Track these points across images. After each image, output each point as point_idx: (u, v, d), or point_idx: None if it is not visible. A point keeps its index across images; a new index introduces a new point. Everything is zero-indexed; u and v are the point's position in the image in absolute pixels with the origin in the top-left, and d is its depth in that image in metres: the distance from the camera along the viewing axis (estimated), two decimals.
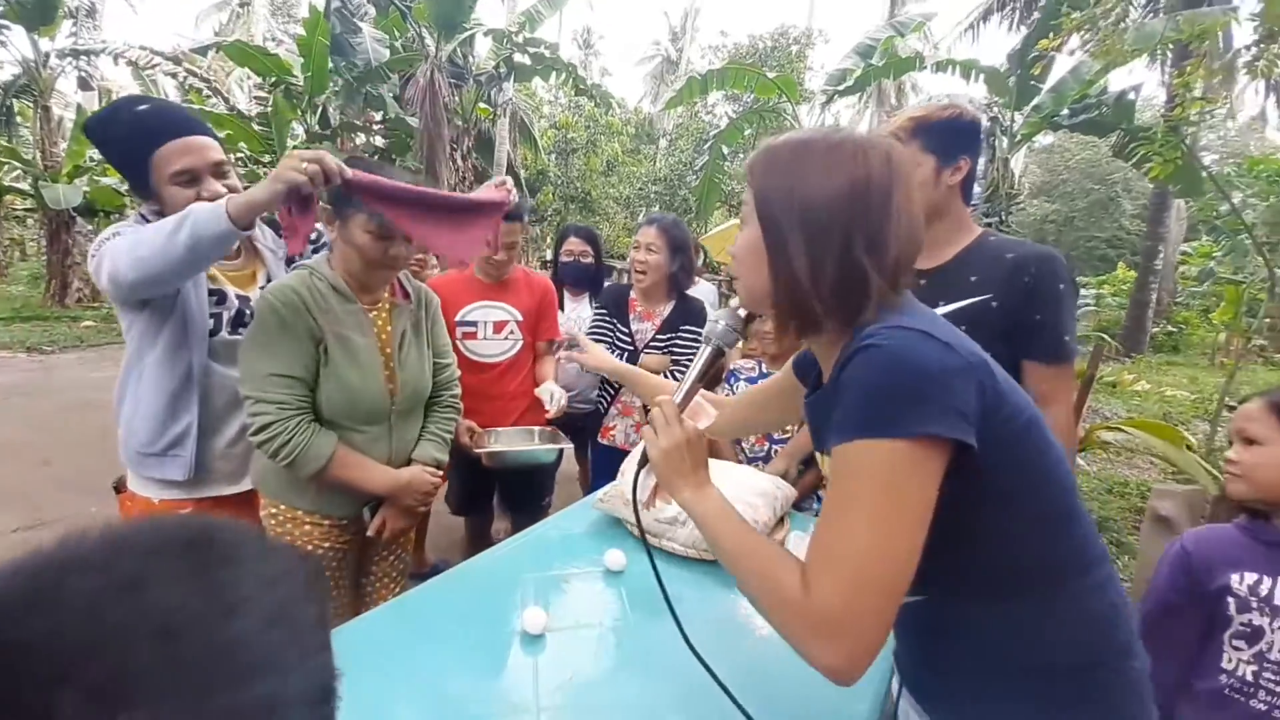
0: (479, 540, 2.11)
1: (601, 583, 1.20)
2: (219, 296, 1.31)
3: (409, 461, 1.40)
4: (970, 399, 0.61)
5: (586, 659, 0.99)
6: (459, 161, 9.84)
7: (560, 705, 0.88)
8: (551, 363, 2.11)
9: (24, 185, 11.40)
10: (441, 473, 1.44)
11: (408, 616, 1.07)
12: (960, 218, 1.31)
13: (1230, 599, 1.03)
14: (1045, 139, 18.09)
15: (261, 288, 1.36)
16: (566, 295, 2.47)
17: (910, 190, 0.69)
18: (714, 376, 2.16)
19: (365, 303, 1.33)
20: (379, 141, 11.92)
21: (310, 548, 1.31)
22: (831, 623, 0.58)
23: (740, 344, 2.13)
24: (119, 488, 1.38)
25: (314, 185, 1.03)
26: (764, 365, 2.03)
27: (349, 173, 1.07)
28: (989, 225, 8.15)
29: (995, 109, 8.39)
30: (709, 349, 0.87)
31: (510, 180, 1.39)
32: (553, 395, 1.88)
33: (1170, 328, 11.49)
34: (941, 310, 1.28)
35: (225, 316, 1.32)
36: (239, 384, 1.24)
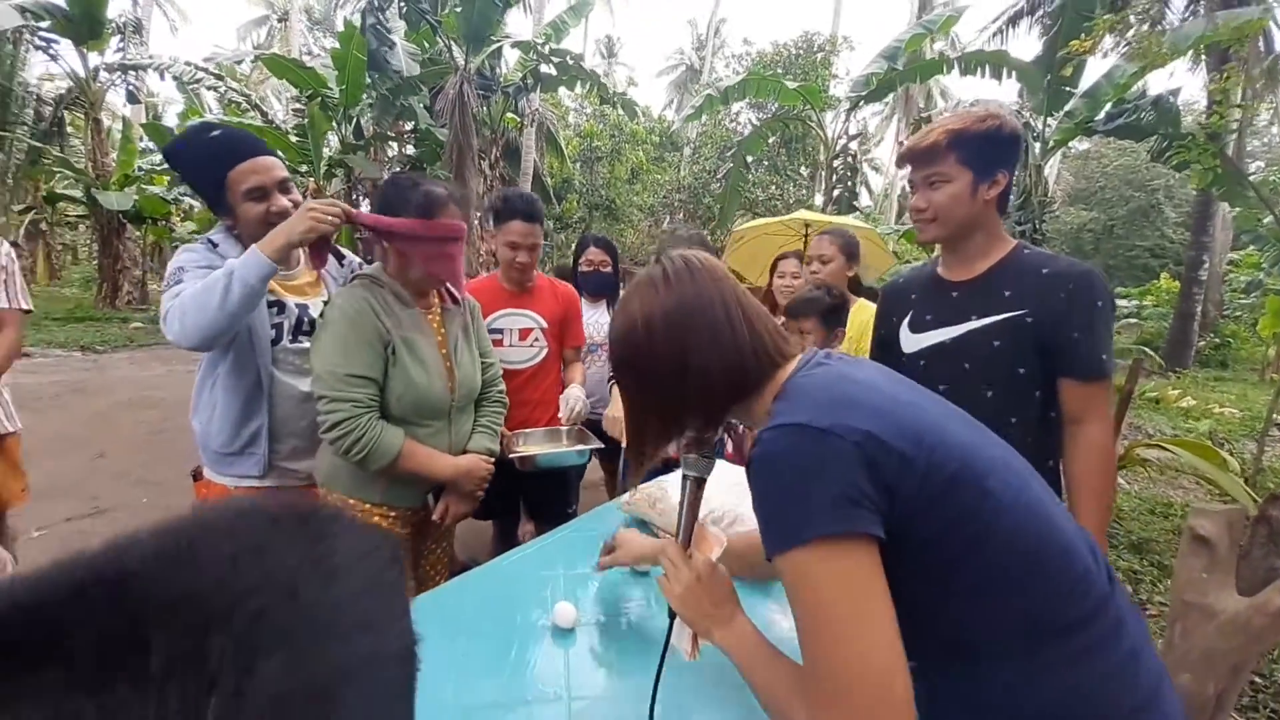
0: (506, 541, 2.14)
1: (629, 583, 1.22)
2: (278, 306, 1.42)
3: (464, 452, 1.50)
4: (858, 480, 0.58)
5: (615, 654, 1.01)
6: (486, 170, 10.04)
7: (591, 696, 0.90)
8: (580, 369, 2.14)
9: (76, 193, 11.99)
10: (494, 460, 1.54)
11: (441, 609, 1.10)
12: (994, 231, 1.30)
13: None
14: (1080, 145, 17.64)
15: (325, 303, 1.46)
16: (585, 302, 2.51)
17: (713, 302, 0.72)
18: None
19: (421, 307, 1.44)
20: (409, 151, 12.24)
21: None
22: None
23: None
24: (196, 475, 1.52)
25: (335, 229, 1.29)
26: None
27: (354, 213, 1.34)
28: (1021, 234, 8.01)
29: (1027, 114, 8.24)
30: (688, 482, 0.83)
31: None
32: (568, 402, 1.90)
33: (1217, 341, 11.05)
34: (974, 324, 1.27)
35: (285, 325, 1.42)
36: (313, 383, 1.32)
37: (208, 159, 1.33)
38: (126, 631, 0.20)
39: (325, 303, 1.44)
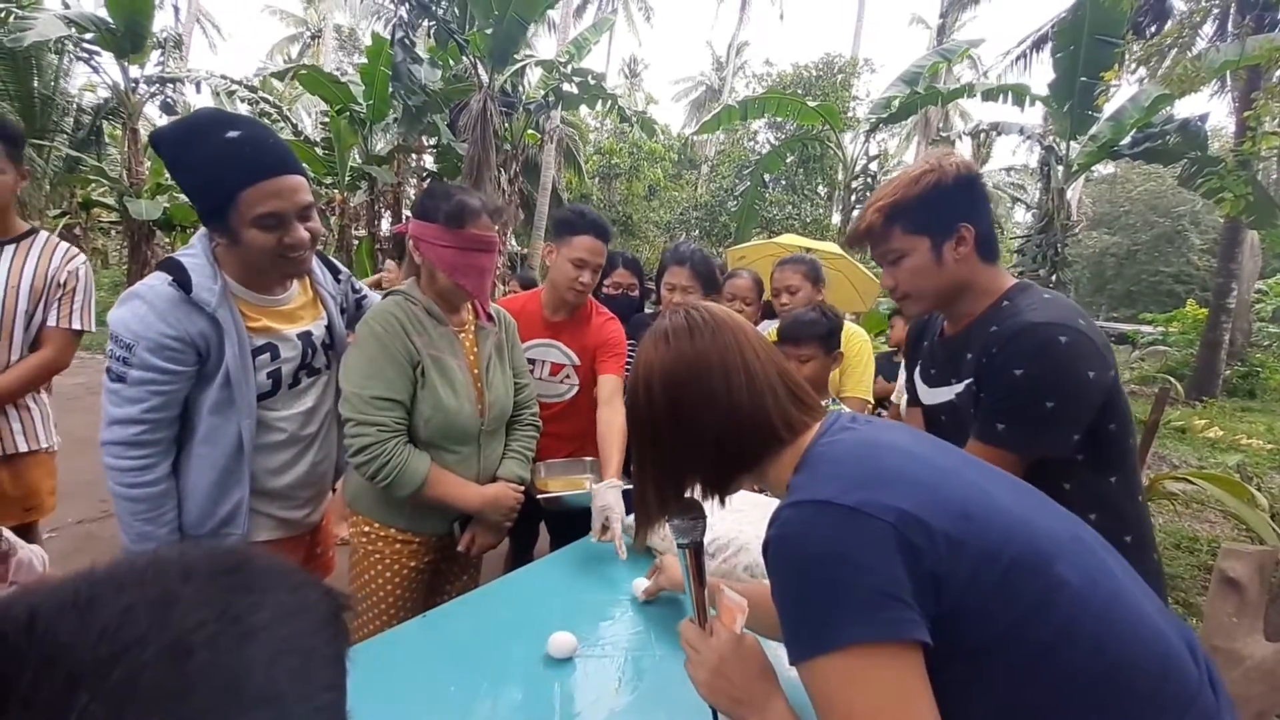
0: (520, 560, 2.06)
1: (630, 611, 1.19)
2: (270, 352, 1.20)
3: (494, 479, 1.45)
4: (895, 571, 0.49)
5: (612, 686, 0.97)
6: (505, 186, 10.18)
7: None
8: (620, 412, 1.74)
9: (110, 200, 12.37)
10: (524, 489, 1.47)
11: (437, 631, 1.08)
12: (981, 286, 1.09)
13: None
14: (1105, 169, 17.46)
15: (328, 327, 1.33)
16: None
17: (710, 364, 0.69)
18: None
19: (454, 324, 1.39)
20: (429, 164, 12.47)
21: (398, 565, 1.35)
22: None
23: None
24: None
25: None
26: None
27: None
28: (1042, 257, 7.85)
29: (1050, 138, 8.17)
30: (683, 551, 0.75)
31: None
32: (608, 525, 1.43)
33: (1245, 370, 10.75)
34: (957, 387, 1.11)
35: (285, 370, 1.22)
36: (340, 404, 1.26)
37: (218, 166, 1.04)
38: None
39: (327, 326, 1.32)
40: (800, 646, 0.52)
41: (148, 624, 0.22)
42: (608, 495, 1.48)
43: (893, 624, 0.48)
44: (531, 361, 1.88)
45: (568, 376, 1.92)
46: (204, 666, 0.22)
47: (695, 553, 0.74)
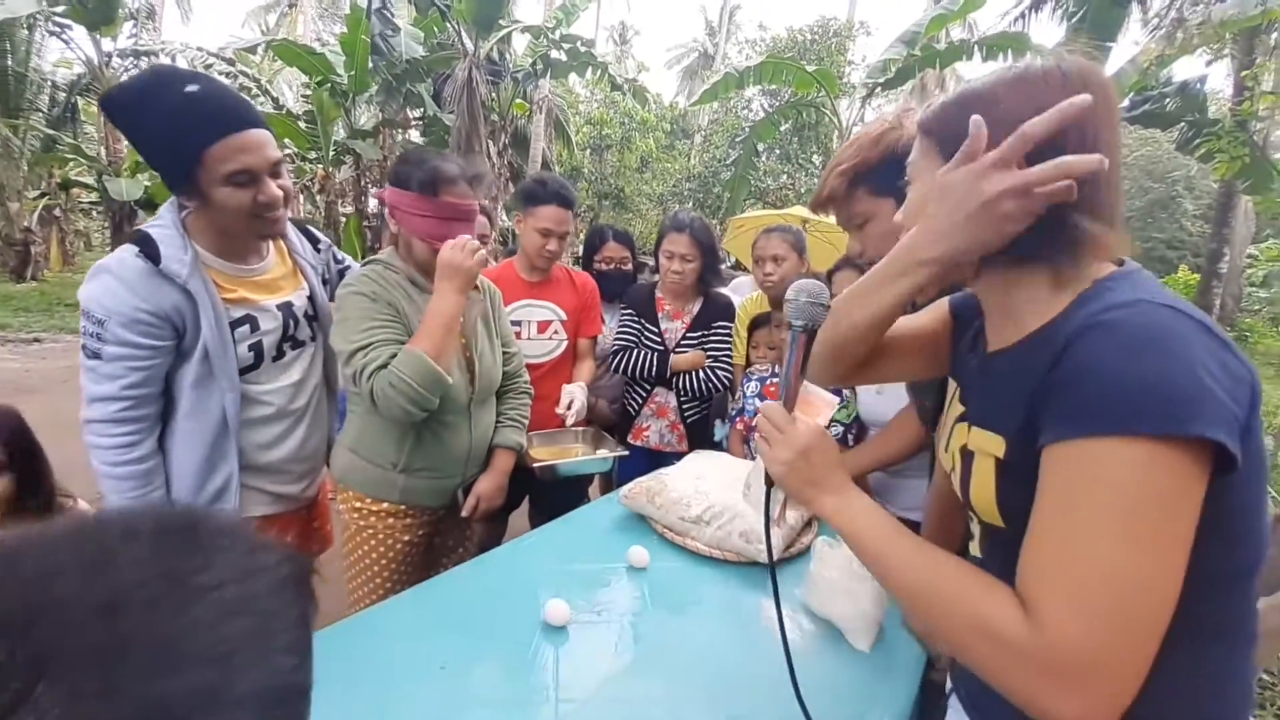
0: (501, 524, 2.01)
1: (625, 579, 1.20)
2: (250, 324, 1.17)
3: (490, 448, 1.49)
4: (1244, 407, 0.49)
5: (607, 652, 0.99)
6: (494, 157, 9.98)
7: (580, 697, 0.88)
8: (591, 364, 2.03)
9: (89, 179, 12.09)
10: (518, 455, 1.54)
11: (431, 602, 1.09)
12: None
13: None
14: None
15: (309, 298, 1.30)
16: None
17: (1110, 129, 0.57)
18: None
19: None
20: (415, 136, 12.19)
21: (390, 540, 1.36)
22: (1078, 666, 0.47)
23: (747, 347, 2.05)
24: None
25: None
26: (776, 367, 1.97)
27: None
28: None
29: None
30: (798, 332, 0.74)
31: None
32: (573, 402, 1.75)
33: (1234, 335, 10.86)
34: None
35: (266, 342, 1.19)
36: (342, 367, 1.26)
37: (179, 125, 0.99)
38: None
39: (309, 296, 1.29)
40: (1123, 422, 0.48)
41: (77, 582, 0.22)
42: (573, 388, 1.80)
43: (1235, 440, 0.48)
44: (518, 322, 1.90)
45: (556, 332, 1.96)
46: (139, 626, 0.22)
47: (808, 339, 0.74)
